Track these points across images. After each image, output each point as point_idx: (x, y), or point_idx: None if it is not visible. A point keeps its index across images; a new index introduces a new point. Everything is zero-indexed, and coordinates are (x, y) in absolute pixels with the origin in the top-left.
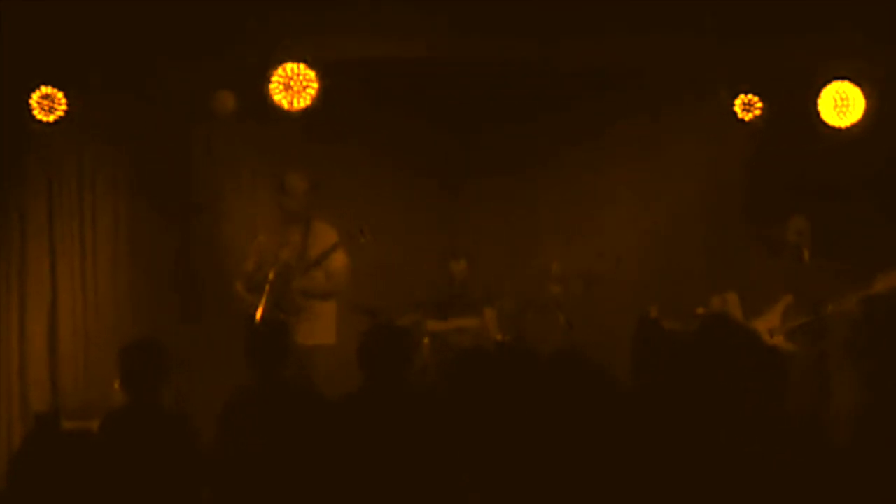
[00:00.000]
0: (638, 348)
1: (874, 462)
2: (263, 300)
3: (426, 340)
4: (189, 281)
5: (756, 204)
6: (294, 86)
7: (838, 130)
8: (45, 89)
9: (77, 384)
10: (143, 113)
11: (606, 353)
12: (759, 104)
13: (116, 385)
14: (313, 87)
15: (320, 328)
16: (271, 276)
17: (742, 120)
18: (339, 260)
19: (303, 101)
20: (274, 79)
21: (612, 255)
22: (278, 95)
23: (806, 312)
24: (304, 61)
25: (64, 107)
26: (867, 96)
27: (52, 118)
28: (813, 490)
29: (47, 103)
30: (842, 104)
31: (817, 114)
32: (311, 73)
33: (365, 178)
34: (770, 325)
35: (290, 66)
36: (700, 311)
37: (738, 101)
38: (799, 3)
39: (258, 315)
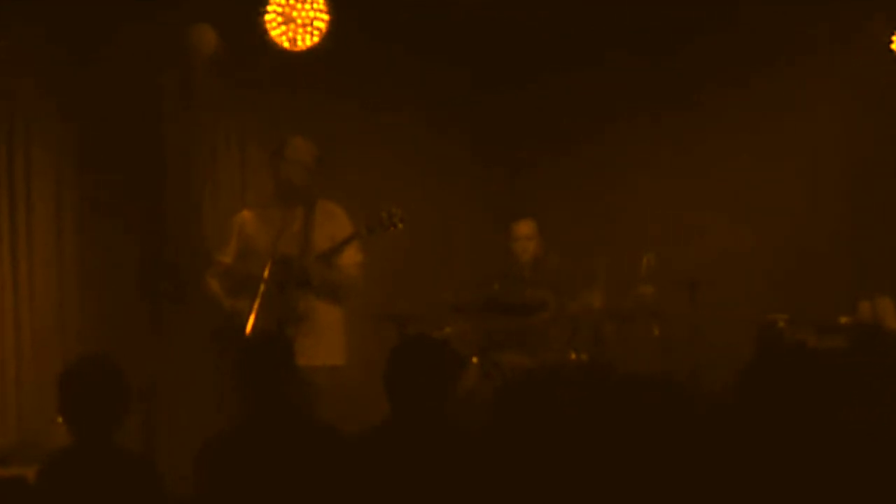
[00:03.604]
0: (759, 369)
1: None
2: (256, 305)
3: (475, 360)
4: (157, 283)
5: None
6: (298, 18)
7: None
8: None
9: (7, 420)
10: (95, 55)
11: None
12: None
13: (59, 419)
14: (323, 21)
15: (326, 345)
16: (266, 272)
17: None
18: (350, 253)
19: (309, 39)
20: (270, 8)
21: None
22: (276, 31)
23: None
24: None
25: None
26: None
27: None
28: None
29: None
30: None
31: None
32: (321, 1)
33: (386, 144)
34: None
35: None
36: (845, 320)
37: None
38: None
39: (249, 325)
